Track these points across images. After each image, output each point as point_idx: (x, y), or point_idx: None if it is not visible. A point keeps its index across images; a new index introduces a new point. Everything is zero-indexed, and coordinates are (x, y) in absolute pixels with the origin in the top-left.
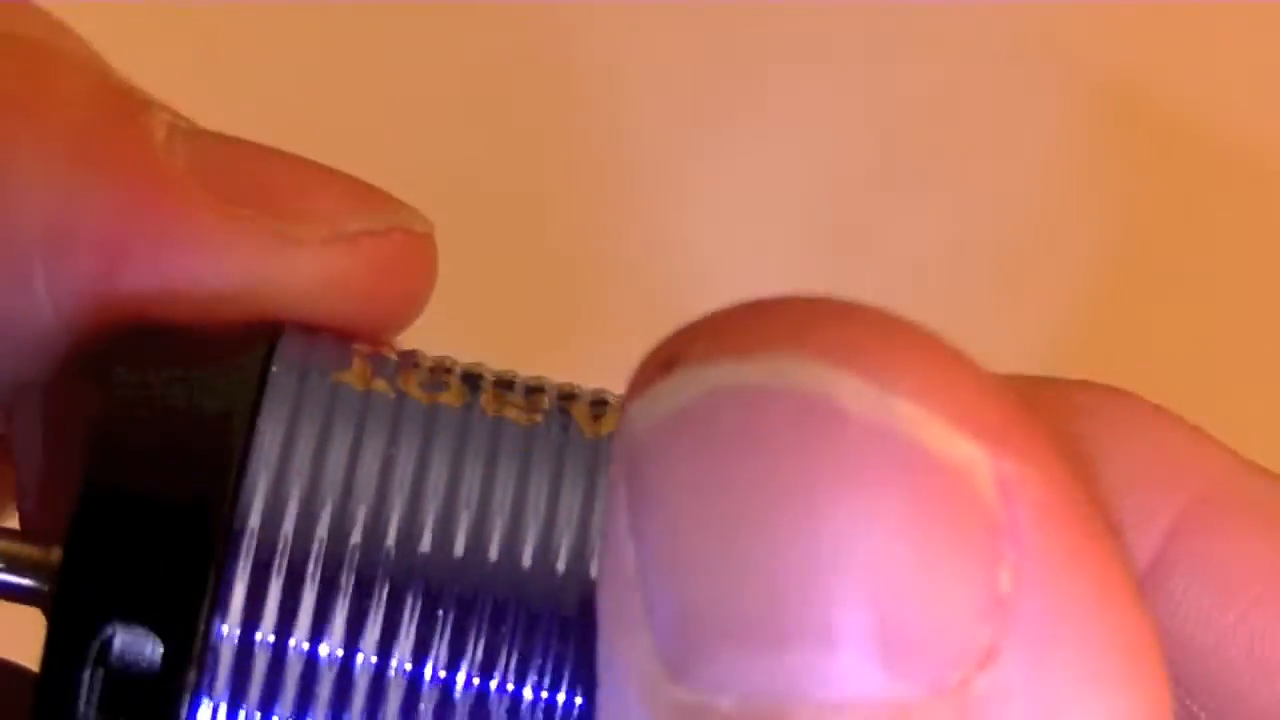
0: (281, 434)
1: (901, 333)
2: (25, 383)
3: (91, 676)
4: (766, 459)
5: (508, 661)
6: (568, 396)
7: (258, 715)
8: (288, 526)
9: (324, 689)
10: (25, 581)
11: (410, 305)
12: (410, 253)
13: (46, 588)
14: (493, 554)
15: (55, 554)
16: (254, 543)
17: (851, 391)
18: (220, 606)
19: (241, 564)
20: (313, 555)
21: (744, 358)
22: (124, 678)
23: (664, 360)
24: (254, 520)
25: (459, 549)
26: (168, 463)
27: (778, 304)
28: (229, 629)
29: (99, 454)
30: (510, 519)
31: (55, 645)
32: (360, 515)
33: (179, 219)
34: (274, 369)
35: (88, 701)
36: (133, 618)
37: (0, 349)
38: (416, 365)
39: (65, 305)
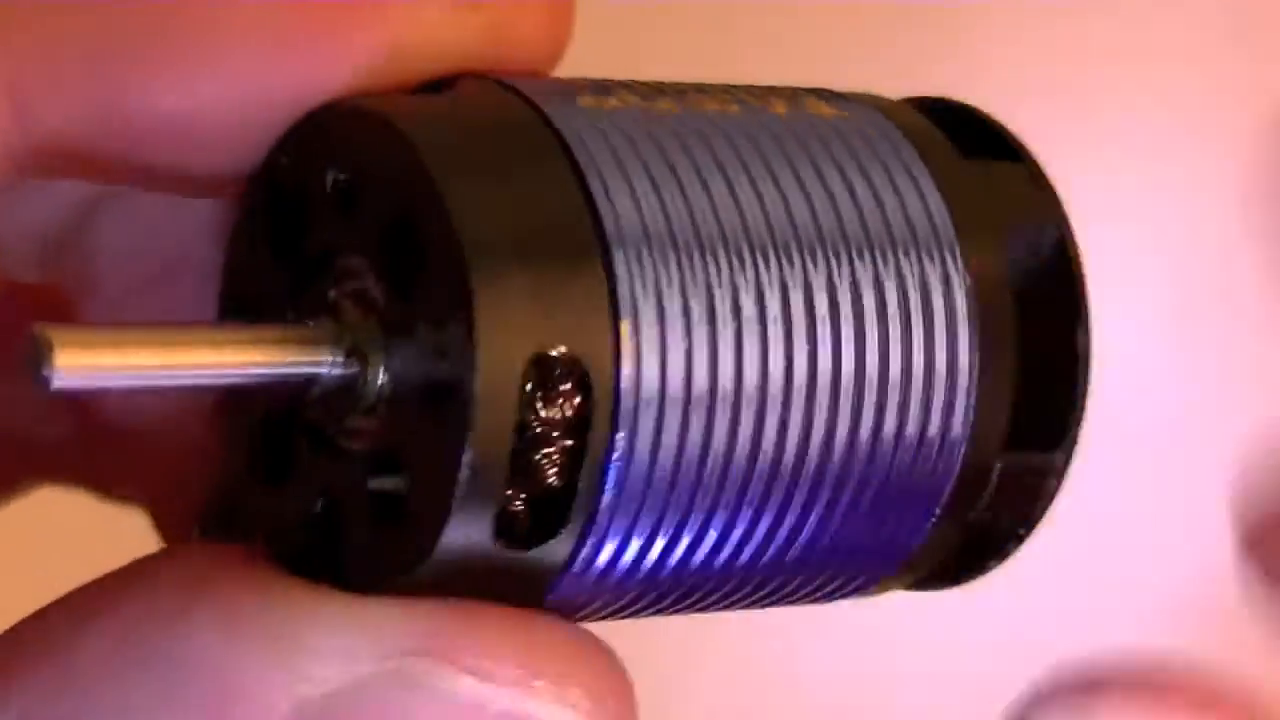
0: (586, 137)
1: None
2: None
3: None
4: None
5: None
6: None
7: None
8: (647, 217)
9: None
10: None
11: (563, 41)
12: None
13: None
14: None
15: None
16: (627, 238)
17: None
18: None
19: (625, 259)
20: (675, 226)
21: None
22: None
23: None
24: (623, 220)
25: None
26: (515, 189)
27: None
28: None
29: (453, 199)
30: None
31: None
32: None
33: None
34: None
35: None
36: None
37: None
38: (624, 87)
39: (281, 97)
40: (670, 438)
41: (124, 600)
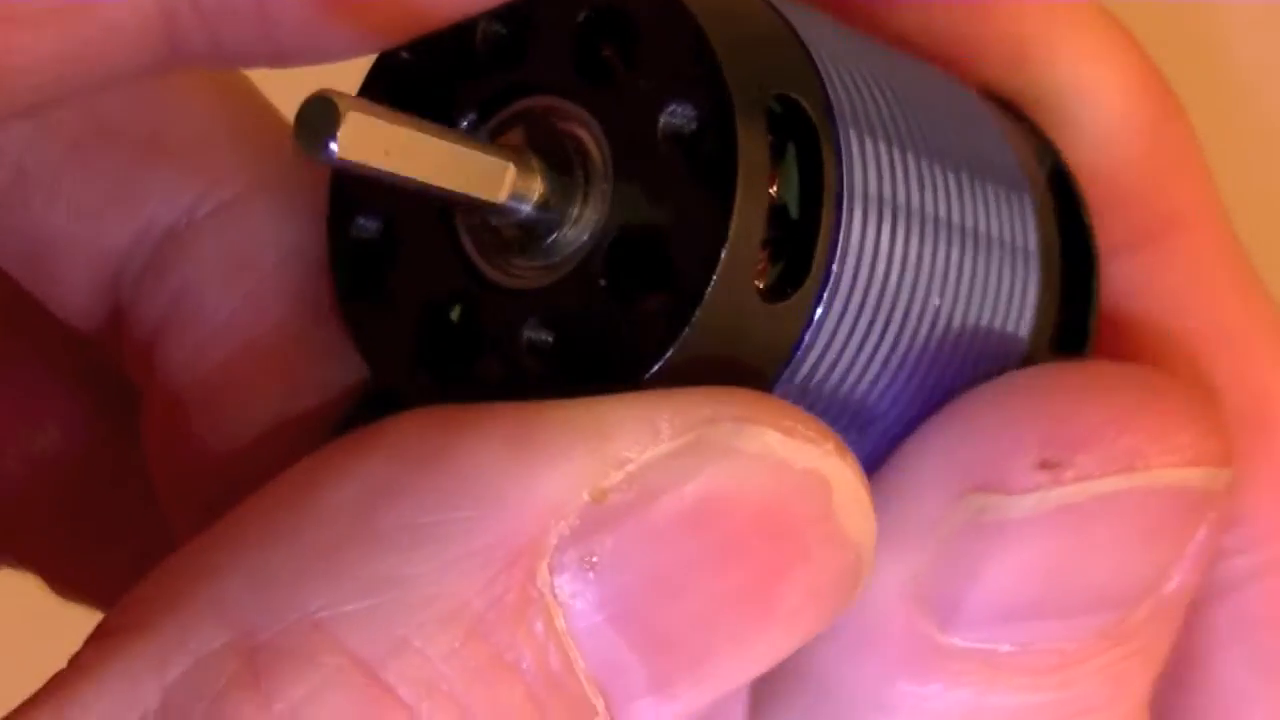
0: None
1: None
2: None
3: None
4: None
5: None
6: None
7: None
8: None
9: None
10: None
11: None
12: None
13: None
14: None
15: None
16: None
17: None
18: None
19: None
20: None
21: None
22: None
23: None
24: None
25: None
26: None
27: None
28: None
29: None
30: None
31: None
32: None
33: None
34: None
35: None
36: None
37: None
38: None
39: None
40: (879, 159)
41: (373, 447)
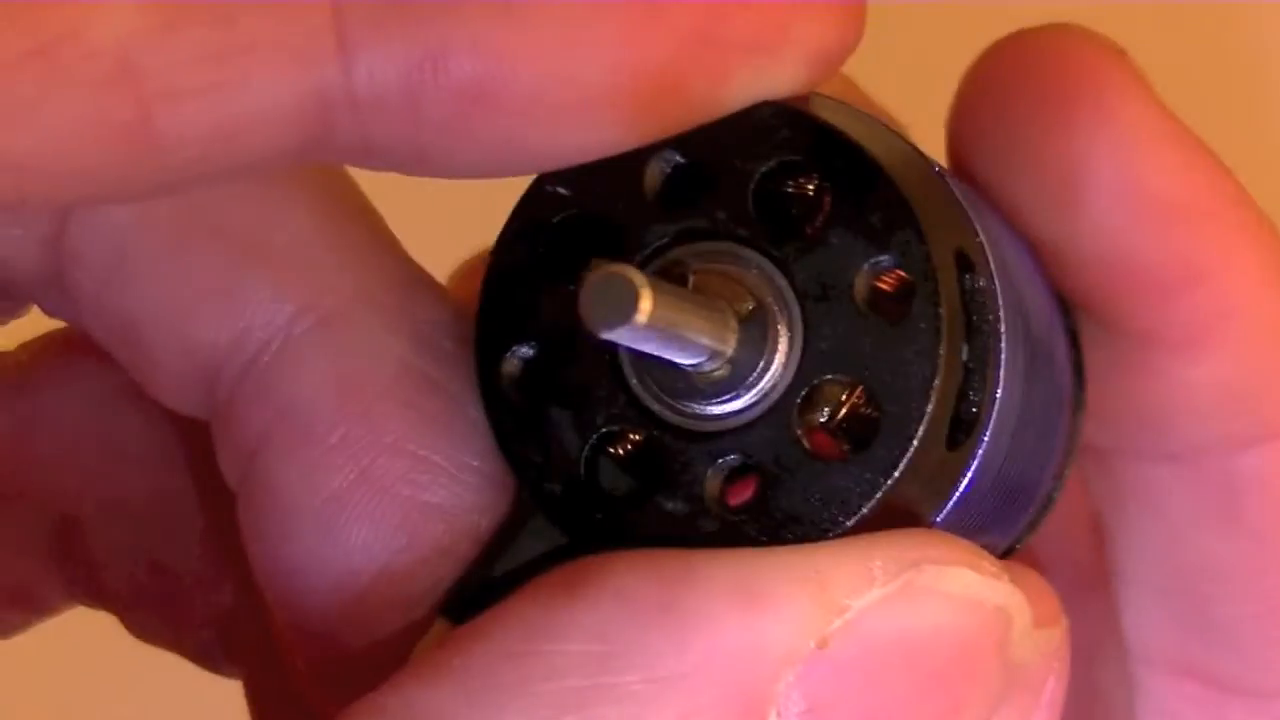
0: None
1: None
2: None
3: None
4: None
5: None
6: None
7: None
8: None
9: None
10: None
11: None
12: None
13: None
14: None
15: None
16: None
17: None
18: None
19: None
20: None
21: None
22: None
23: None
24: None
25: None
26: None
27: None
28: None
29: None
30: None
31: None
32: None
33: None
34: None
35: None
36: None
37: None
38: None
39: None
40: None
41: (597, 598)
